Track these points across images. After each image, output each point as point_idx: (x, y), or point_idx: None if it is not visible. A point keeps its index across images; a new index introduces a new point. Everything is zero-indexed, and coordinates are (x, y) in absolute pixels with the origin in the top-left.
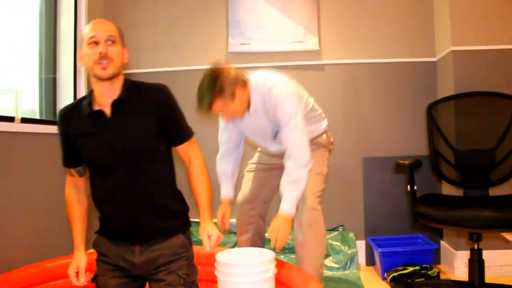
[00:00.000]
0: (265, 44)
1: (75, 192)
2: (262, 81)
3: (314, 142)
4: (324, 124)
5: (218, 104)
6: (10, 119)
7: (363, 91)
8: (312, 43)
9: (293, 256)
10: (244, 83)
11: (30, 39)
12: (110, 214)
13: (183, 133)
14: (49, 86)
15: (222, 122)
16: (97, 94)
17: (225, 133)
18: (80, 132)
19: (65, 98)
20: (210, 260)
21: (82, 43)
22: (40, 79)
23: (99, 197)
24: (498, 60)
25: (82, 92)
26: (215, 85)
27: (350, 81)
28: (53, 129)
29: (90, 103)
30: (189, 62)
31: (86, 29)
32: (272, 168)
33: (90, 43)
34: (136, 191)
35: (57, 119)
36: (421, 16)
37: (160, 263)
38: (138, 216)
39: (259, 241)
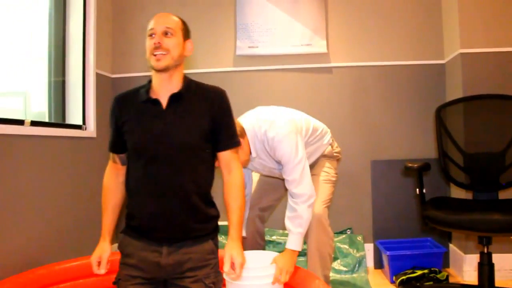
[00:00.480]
0: (273, 47)
1: (114, 180)
2: (257, 125)
3: (320, 156)
4: (327, 138)
5: None
6: (20, 122)
7: (371, 94)
8: (320, 46)
9: (301, 259)
10: (241, 134)
11: (39, 42)
12: (142, 206)
13: (230, 140)
14: (58, 89)
15: None
16: (155, 84)
17: None
18: (132, 117)
19: (74, 101)
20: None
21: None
22: (49, 82)
23: (135, 185)
24: (507, 63)
25: (90, 95)
26: None
27: (358, 83)
28: (63, 132)
29: (148, 91)
30: (198, 65)
31: (148, 23)
32: (279, 174)
33: (149, 35)
34: (174, 186)
35: (112, 104)
36: (429, 18)
37: (187, 267)
38: (170, 212)
39: (260, 240)
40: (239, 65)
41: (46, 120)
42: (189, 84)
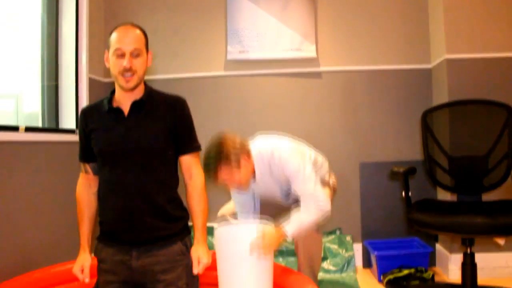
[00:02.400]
0: (263, 52)
1: (87, 191)
2: (264, 148)
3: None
4: (324, 169)
5: (224, 172)
6: (15, 128)
7: (360, 98)
8: (309, 51)
9: (291, 259)
10: (248, 154)
11: (32, 46)
12: (109, 209)
13: (190, 144)
14: (51, 92)
15: (233, 192)
16: (117, 95)
17: (238, 203)
18: (96, 126)
19: (67, 105)
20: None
21: (108, 47)
22: (42, 86)
23: (103, 191)
24: (492, 68)
25: (83, 99)
26: (221, 153)
27: (347, 88)
28: (57, 137)
29: (110, 101)
30: (189, 70)
31: (113, 36)
32: (281, 202)
33: (116, 54)
34: (137, 188)
35: (79, 115)
36: (416, 24)
37: (157, 270)
38: (134, 212)
39: None
40: (230, 70)
41: (40, 123)
42: (150, 93)
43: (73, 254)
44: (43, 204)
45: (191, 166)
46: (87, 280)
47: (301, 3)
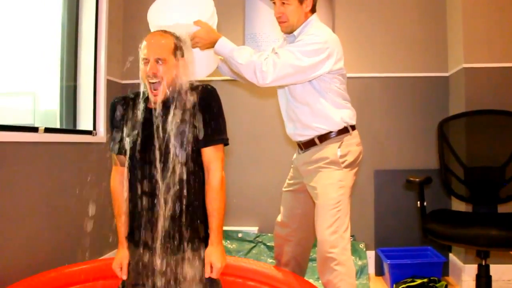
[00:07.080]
0: None
1: (120, 184)
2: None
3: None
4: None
5: None
6: (34, 129)
7: (376, 104)
8: None
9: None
10: (313, 10)
11: (52, 46)
12: (133, 208)
13: (212, 135)
14: (70, 93)
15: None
16: (150, 96)
17: None
18: (129, 122)
19: (85, 106)
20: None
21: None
22: (61, 86)
23: (129, 189)
24: (510, 78)
25: (101, 100)
26: None
27: (363, 94)
28: (74, 138)
29: (145, 100)
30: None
31: (142, 44)
32: (298, 190)
33: (143, 60)
34: (161, 187)
35: (110, 106)
36: (434, 32)
37: (179, 273)
38: (157, 213)
39: (298, 270)
40: None
41: (57, 122)
42: (180, 89)
43: (89, 254)
44: (59, 203)
45: (210, 161)
46: (124, 277)
47: (319, 9)
